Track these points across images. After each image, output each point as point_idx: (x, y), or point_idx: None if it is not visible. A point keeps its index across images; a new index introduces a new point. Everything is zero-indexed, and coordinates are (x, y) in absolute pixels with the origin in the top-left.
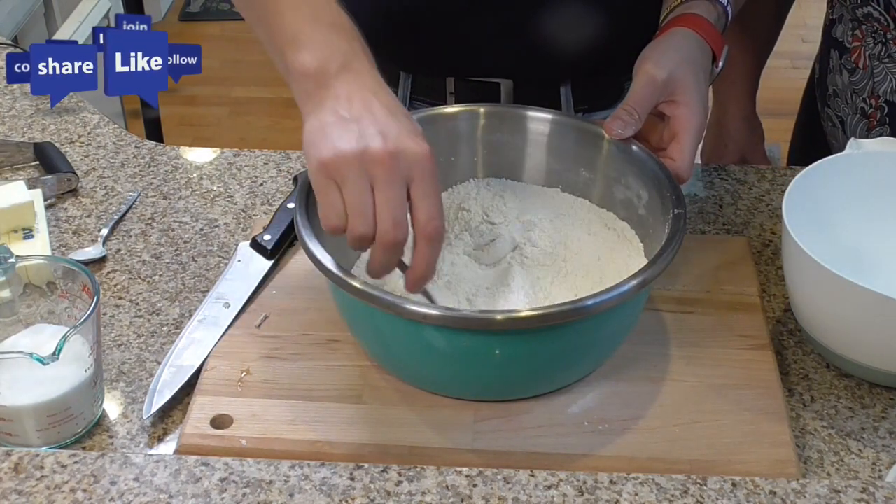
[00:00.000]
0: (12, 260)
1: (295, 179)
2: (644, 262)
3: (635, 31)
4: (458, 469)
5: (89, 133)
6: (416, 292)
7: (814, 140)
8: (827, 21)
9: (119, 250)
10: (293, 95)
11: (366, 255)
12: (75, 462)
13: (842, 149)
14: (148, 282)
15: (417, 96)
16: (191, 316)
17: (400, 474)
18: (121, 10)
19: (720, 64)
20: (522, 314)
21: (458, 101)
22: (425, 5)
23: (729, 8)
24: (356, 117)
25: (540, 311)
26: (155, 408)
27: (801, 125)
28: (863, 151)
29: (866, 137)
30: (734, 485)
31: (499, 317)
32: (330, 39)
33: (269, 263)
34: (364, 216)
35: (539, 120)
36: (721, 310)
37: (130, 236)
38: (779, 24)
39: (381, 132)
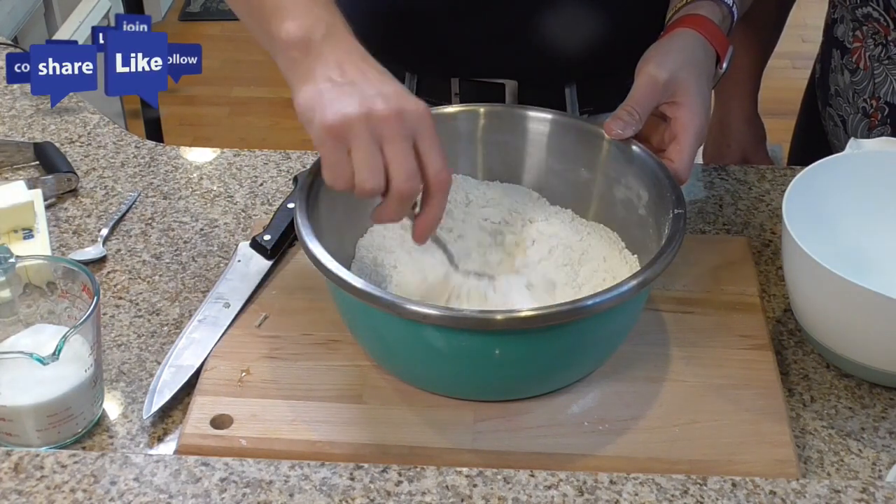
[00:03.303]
0: (12, 260)
1: (295, 179)
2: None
3: (640, 32)
4: (458, 469)
5: (89, 133)
6: (423, 242)
7: (814, 140)
8: (828, 20)
9: (119, 250)
10: (280, 68)
11: (363, 253)
12: (75, 462)
13: (842, 149)
14: (148, 282)
15: (422, 97)
16: (191, 316)
17: (400, 474)
18: (121, 10)
19: (724, 65)
20: (522, 314)
21: (462, 102)
22: (429, 6)
23: (734, 9)
24: (352, 81)
25: (540, 311)
26: (155, 408)
27: (802, 125)
28: (863, 151)
29: (867, 137)
30: (734, 485)
31: (499, 317)
32: (311, 9)
33: (269, 263)
34: (376, 172)
35: (539, 120)
36: (721, 310)
37: (130, 236)
38: (780, 23)
39: (380, 93)
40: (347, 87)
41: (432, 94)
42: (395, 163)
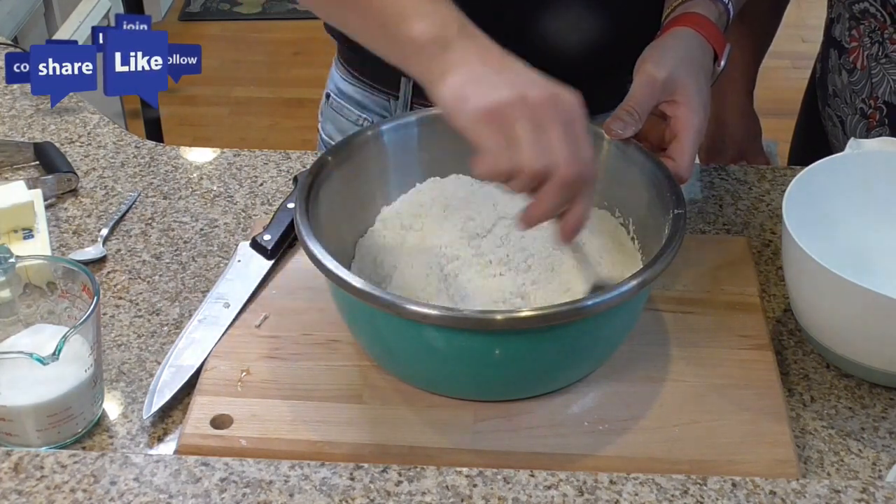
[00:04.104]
0: (12, 260)
1: (295, 179)
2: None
3: (640, 34)
4: (458, 469)
5: (89, 133)
6: (570, 242)
7: (814, 140)
8: (827, 20)
9: (119, 250)
10: (412, 72)
11: (363, 253)
12: (75, 462)
13: (842, 149)
14: (148, 282)
15: (418, 100)
16: (191, 316)
17: (400, 474)
18: (121, 10)
19: (722, 62)
20: (522, 314)
21: None
22: None
23: (730, 6)
24: (498, 70)
25: (540, 311)
26: (155, 408)
27: (802, 125)
28: (863, 151)
29: (866, 138)
30: (734, 485)
31: (498, 317)
32: (438, 8)
33: (269, 263)
34: (541, 151)
35: None
36: (721, 310)
37: (130, 236)
38: (776, 19)
39: (531, 80)
40: (495, 76)
41: (428, 97)
42: (558, 143)
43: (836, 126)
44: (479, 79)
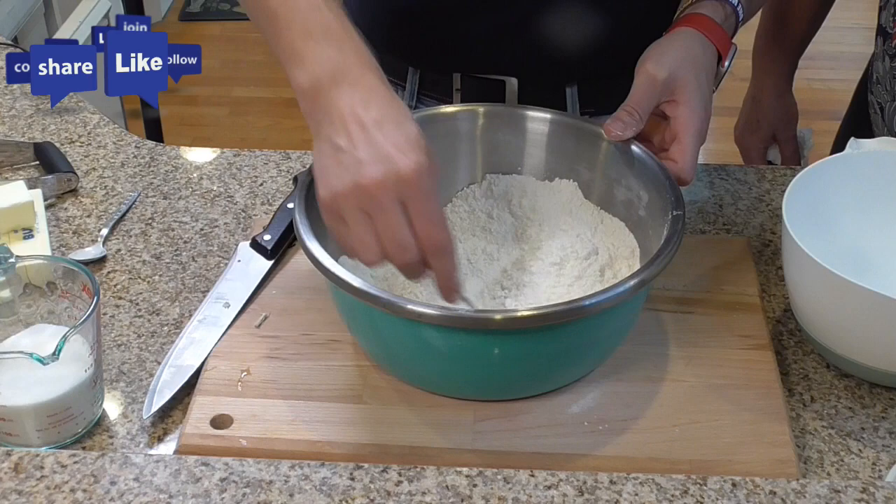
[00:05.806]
0: (12, 260)
1: (295, 179)
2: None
3: (643, 34)
4: (458, 469)
5: (89, 133)
6: (455, 301)
7: (859, 129)
8: (879, 6)
9: (119, 250)
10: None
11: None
12: (75, 462)
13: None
14: (148, 282)
15: (424, 91)
16: (191, 316)
17: (400, 474)
18: (121, 10)
19: (727, 64)
20: (521, 314)
21: (464, 98)
22: (433, 2)
23: (739, 8)
24: (349, 146)
25: (538, 311)
26: (155, 408)
27: (850, 113)
28: (863, 151)
29: None
30: (734, 485)
31: (497, 316)
32: (319, 53)
33: (269, 263)
34: (369, 247)
35: (539, 120)
36: (721, 310)
37: (130, 236)
38: (826, 2)
39: (373, 158)
40: (343, 155)
41: (434, 89)
42: (385, 235)
43: (877, 113)
44: (329, 159)
